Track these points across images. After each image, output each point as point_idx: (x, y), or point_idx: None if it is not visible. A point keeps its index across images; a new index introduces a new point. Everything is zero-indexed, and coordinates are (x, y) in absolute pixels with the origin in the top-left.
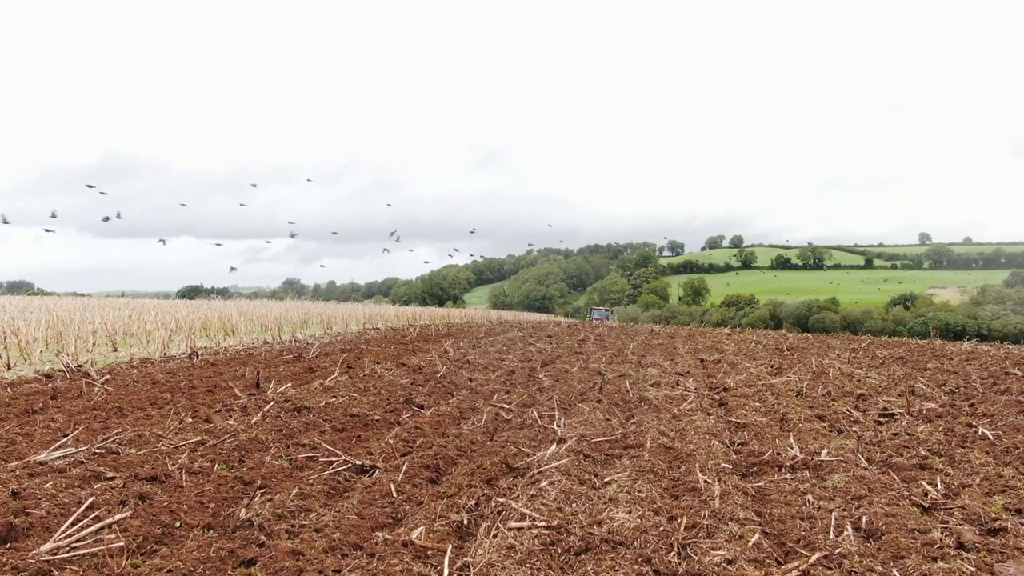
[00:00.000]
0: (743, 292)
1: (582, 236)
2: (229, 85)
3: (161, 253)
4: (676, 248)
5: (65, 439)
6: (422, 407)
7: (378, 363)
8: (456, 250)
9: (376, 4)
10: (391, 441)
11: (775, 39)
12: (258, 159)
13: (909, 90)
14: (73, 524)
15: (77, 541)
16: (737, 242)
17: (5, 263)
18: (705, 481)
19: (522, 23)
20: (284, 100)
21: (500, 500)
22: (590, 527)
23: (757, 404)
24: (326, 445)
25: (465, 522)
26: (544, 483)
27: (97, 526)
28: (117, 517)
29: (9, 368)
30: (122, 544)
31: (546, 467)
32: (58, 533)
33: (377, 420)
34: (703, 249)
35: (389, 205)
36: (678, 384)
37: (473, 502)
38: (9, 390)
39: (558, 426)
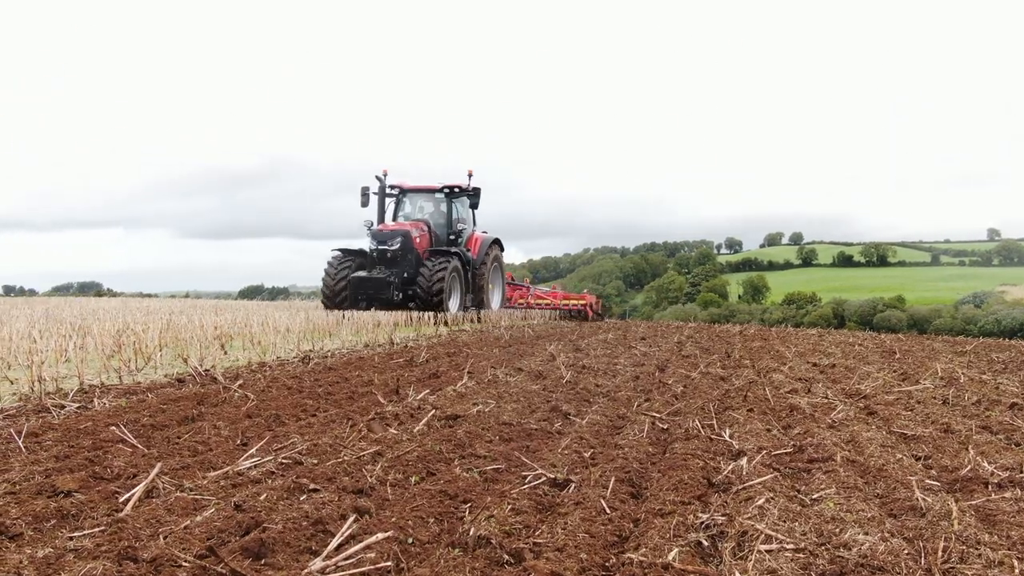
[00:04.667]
0: (803, 290)
1: (643, 234)
2: (375, 91)
3: (229, 253)
4: (734, 246)
5: (251, 451)
6: (569, 415)
7: (494, 368)
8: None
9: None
10: (565, 452)
11: (853, 36)
12: (375, 163)
13: (991, 86)
14: (341, 542)
15: (344, 559)
16: (797, 239)
17: (79, 265)
18: (923, 499)
19: (611, 29)
20: (428, 109)
21: (743, 520)
22: (836, 549)
23: (908, 413)
24: (503, 456)
25: (704, 543)
26: (760, 500)
27: (362, 544)
28: (379, 536)
29: (134, 372)
30: (389, 564)
31: (749, 483)
32: (328, 549)
33: (535, 429)
34: (761, 246)
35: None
36: (810, 391)
37: (701, 521)
38: (151, 395)
39: (730, 438)
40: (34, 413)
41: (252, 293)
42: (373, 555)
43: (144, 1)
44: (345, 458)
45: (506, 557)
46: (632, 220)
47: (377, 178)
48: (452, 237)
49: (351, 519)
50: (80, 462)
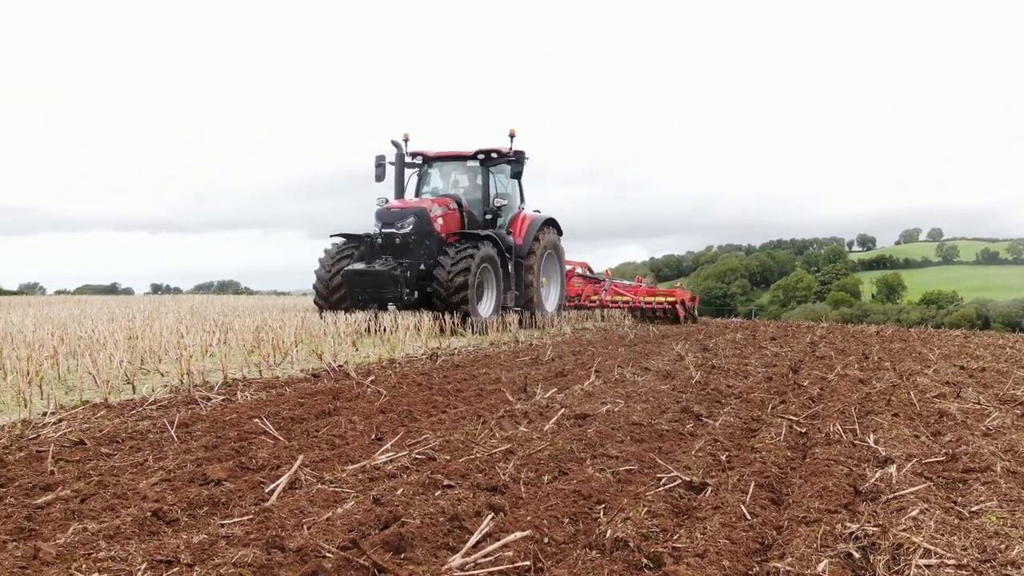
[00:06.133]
0: (943, 289)
1: (770, 231)
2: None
3: None
4: (867, 243)
5: (386, 445)
6: (701, 416)
7: (620, 367)
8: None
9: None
10: (699, 454)
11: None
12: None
13: None
14: (479, 540)
15: (483, 557)
16: (936, 235)
17: (220, 264)
18: None
19: (735, 24)
20: (555, 104)
21: (897, 532)
22: (1003, 568)
23: None
24: (635, 457)
25: (855, 555)
26: (914, 511)
27: (500, 543)
28: (517, 535)
29: (273, 367)
30: (528, 563)
31: (900, 492)
32: (467, 546)
33: (666, 430)
34: (897, 243)
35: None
36: (960, 396)
37: (850, 531)
38: (288, 389)
39: (875, 444)
40: (183, 404)
41: None
42: (511, 554)
43: (284, 5)
44: (477, 455)
45: (645, 561)
46: (758, 217)
47: (394, 144)
48: (488, 217)
49: (488, 517)
50: (227, 452)
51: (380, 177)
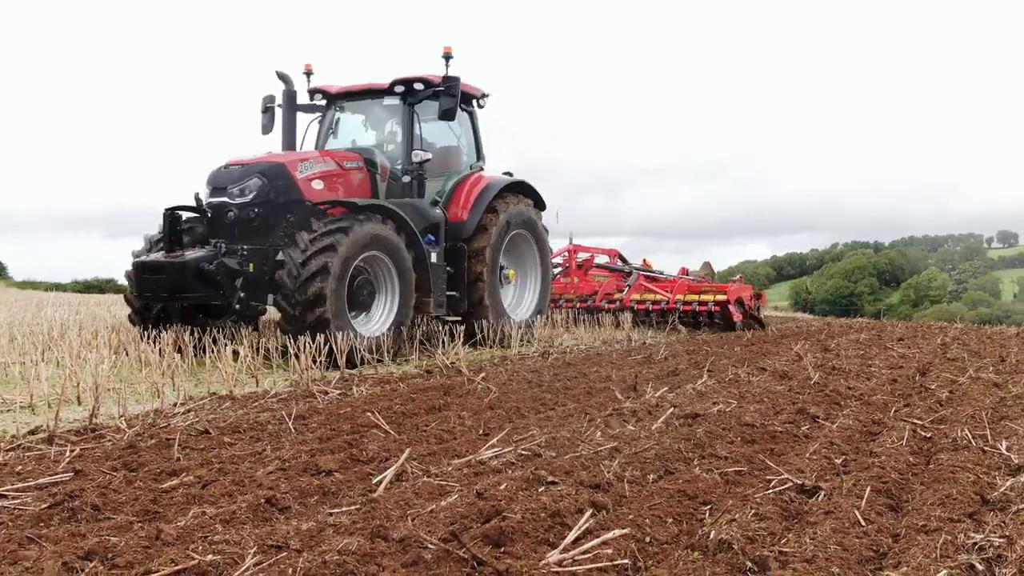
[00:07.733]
0: None
1: (900, 227)
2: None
3: None
4: (1008, 239)
5: (492, 441)
6: (817, 418)
7: (735, 367)
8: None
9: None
10: (813, 457)
11: None
12: (632, 159)
13: None
14: (578, 536)
15: (582, 553)
16: None
17: None
18: None
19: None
20: (674, 100)
21: None
22: None
23: None
24: (745, 458)
25: (978, 566)
26: None
27: (599, 540)
28: (616, 533)
29: (388, 363)
30: (627, 561)
31: None
32: (565, 541)
33: (779, 432)
34: None
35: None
36: None
37: (973, 541)
38: (402, 385)
39: (1007, 451)
40: (302, 398)
41: None
42: (610, 551)
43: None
44: (582, 452)
45: (749, 564)
46: (888, 213)
47: (280, 77)
48: (407, 179)
49: (588, 513)
50: (340, 444)
51: (268, 127)
